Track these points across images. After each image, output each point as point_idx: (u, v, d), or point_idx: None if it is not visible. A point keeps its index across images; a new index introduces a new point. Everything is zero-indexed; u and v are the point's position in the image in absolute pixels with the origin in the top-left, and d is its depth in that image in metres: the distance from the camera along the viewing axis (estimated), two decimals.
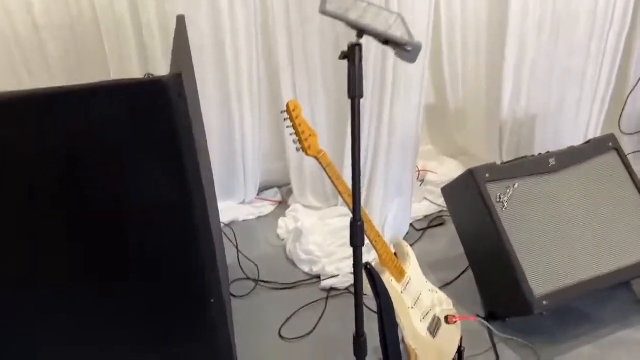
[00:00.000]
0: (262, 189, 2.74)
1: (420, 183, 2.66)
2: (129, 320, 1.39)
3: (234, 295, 2.04)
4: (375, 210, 2.31)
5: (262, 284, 2.10)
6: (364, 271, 1.44)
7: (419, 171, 2.72)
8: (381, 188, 2.26)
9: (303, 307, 1.95)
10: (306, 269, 2.16)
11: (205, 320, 1.42)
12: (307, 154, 1.45)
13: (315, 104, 2.39)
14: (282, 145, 2.62)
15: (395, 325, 1.48)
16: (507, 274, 1.69)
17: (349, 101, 1.11)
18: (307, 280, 2.11)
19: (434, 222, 2.45)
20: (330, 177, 1.47)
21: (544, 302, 1.64)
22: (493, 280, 1.83)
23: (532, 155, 1.90)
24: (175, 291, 1.38)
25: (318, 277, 2.12)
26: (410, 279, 1.55)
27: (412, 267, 1.59)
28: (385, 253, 1.51)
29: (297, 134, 1.44)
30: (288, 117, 1.43)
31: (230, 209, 2.57)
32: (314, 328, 1.86)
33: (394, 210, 2.30)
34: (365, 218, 1.47)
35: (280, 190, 2.74)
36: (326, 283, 2.05)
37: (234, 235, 2.32)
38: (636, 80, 2.49)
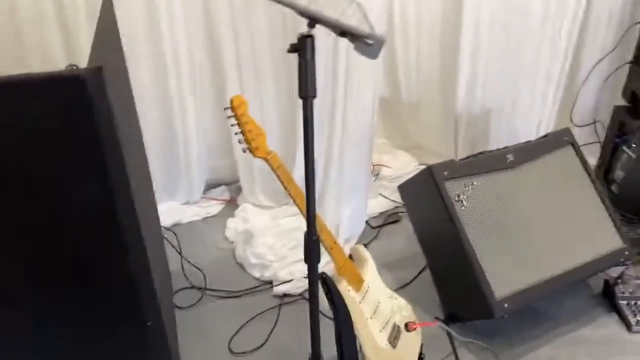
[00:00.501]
0: (210, 187, 2.56)
1: (374, 178, 2.58)
2: (62, 342, 1.22)
3: (178, 307, 1.88)
4: (329, 210, 2.19)
5: (209, 292, 1.94)
6: (319, 282, 1.33)
7: (373, 165, 2.63)
8: (336, 186, 2.15)
9: (254, 316, 1.82)
10: (257, 274, 2.03)
11: (142, 344, 1.26)
12: (254, 155, 1.31)
13: (263, 99, 2.24)
14: (229, 141, 2.44)
15: (353, 339, 1.37)
16: (467, 276, 1.62)
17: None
18: (258, 286, 1.97)
19: (389, 218, 2.37)
20: (281, 180, 1.34)
21: (505, 305, 1.58)
22: (452, 282, 1.77)
23: (490, 151, 1.84)
24: (106, 313, 1.21)
25: (270, 282, 1.99)
26: (368, 287, 1.45)
27: (370, 273, 1.49)
28: (341, 260, 1.40)
29: (243, 133, 1.30)
30: (232, 114, 1.29)
31: (173, 210, 2.38)
32: (267, 340, 1.73)
33: (349, 209, 2.19)
34: (319, 224, 1.37)
35: (228, 188, 2.57)
36: (279, 289, 1.93)
37: (176, 239, 2.15)
38: (587, 74, 2.49)
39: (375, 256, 1.79)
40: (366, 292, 1.44)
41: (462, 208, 1.66)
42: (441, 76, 2.51)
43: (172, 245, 2.06)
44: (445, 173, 1.68)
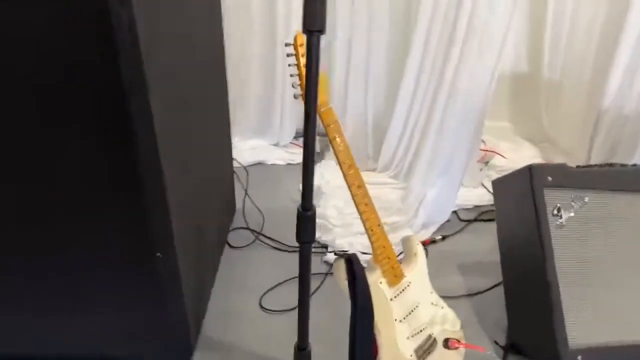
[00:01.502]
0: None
1: (482, 165, 2.24)
2: (72, 277, 1.22)
3: (229, 245, 1.84)
4: (414, 184, 1.95)
5: (262, 238, 1.87)
6: (343, 262, 1.15)
7: (484, 151, 2.29)
8: (426, 159, 1.89)
9: (295, 277, 1.69)
10: (316, 234, 1.89)
11: (152, 275, 1.21)
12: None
13: (373, 45, 2.01)
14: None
15: (370, 339, 1.18)
16: (543, 311, 1.30)
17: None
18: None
19: (484, 215, 2.05)
20: (330, 141, 1.15)
21: (579, 357, 1.25)
22: (525, 310, 1.46)
23: (625, 165, 1.44)
24: (115, 240, 1.17)
25: (325, 247, 1.85)
26: (408, 286, 1.23)
27: (417, 271, 1.26)
28: (381, 247, 1.19)
29: (299, 76, 1.12)
30: (293, 52, 1.11)
31: (260, 148, 2.33)
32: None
33: (436, 189, 1.93)
34: (362, 196, 1.17)
35: (320, 140, 2.43)
36: (330, 257, 1.78)
37: (247, 178, 2.08)
38: None
39: (451, 253, 1.54)
40: (403, 290, 1.23)
41: (559, 227, 1.32)
42: (596, 59, 2.03)
43: (240, 182, 2.00)
44: (549, 178, 1.34)
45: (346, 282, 1.15)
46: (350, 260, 1.14)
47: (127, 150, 1.02)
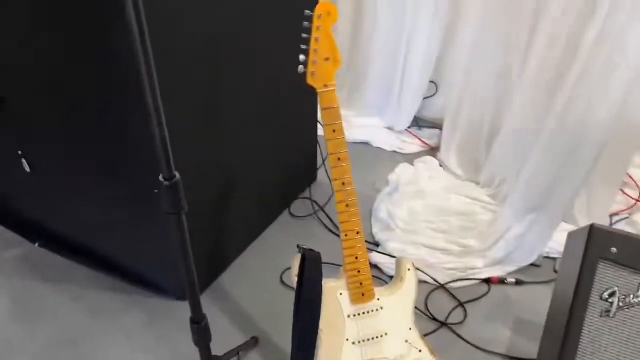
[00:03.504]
0: (427, 124, 2.27)
1: (622, 217, 1.76)
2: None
3: (290, 212, 1.85)
4: (505, 211, 1.66)
5: (320, 214, 1.82)
6: (299, 257, 1.06)
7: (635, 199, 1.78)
8: (523, 184, 1.58)
9: (331, 263, 1.63)
10: (375, 229, 1.76)
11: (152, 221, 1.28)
12: (306, 80, 1.04)
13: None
14: None
15: (310, 343, 1.07)
16: None
17: None
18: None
19: None
20: (323, 122, 1.03)
21: None
22: None
23: None
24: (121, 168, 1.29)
25: (377, 245, 1.71)
26: (377, 310, 1.08)
27: (396, 298, 1.09)
28: (352, 256, 1.06)
29: (307, 49, 1.02)
30: (308, 23, 1.02)
31: (372, 128, 2.23)
32: None
33: (526, 224, 1.59)
34: (345, 194, 1.05)
35: (439, 135, 2.21)
36: (374, 257, 1.64)
37: (320, 151, 2.00)
38: None
39: (516, 302, 1.30)
40: (369, 312, 1.08)
41: (604, 315, 0.98)
42: None
43: (321, 153, 1.94)
44: (613, 250, 0.99)
45: (295, 278, 1.06)
46: (304, 257, 1.04)
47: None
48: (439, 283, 1.57)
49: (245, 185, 1.57)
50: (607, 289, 0.99)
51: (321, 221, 1.81)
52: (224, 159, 1.46)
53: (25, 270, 1.61)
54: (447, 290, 1.56)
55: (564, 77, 1.36)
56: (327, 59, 1.02)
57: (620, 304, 0.98)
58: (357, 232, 1.06)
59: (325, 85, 1.02)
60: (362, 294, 1.07)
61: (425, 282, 1.58)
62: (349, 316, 1.07)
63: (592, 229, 1.01)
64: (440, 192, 1.89)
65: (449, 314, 1.49)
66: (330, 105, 1.02)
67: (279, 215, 1.83)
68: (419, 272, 1.59)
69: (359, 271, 1.06)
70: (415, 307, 1.47)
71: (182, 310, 1.07)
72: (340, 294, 1.07)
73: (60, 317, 1.46)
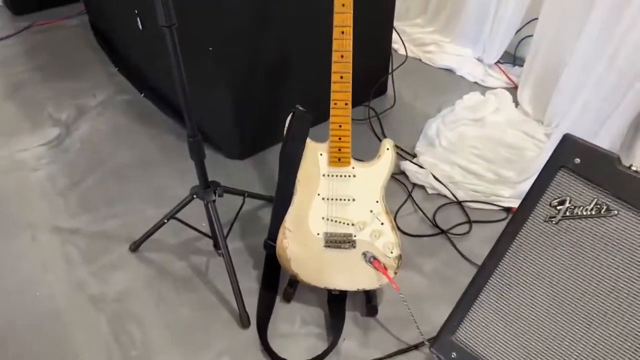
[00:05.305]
0: (522, 62, 2.16)
1: None
2: None
3: None
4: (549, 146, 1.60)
5: (374, 122, 1.92)
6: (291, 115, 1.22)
7: None
8: (571, 121, 1.50)
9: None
10: (419, 142, 1.81)
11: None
12: None
13: None
14: None
15: (289, 190, 1.24)
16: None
17: None
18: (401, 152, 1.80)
19: None
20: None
21: (453, 354, 1.02)
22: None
23: None
24: None
25: (413, 156, 1.77)
26: (349, 176, 1.21)
27: (370, 171, 1.21)
28: (337, 124, 1.18)
29: None
30: None
31: (461, 57, 2.20)
32: None
33: None
34: (340, 66, 1.14)
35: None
36: (405, 165, 1.71)
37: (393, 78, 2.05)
38: None
39: None
40: (341, 176, 1.21)
41: (548, 225, 0.99)
42: None
43: (391, 69, 2.00)
44: (577, 160, 0.97)
45: (285, 132, 1.22)
46: (294, 114, 1.20)
47: None
48: (457, 199, 1.60)
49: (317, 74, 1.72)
50: (558, 197, 0.99)
51: (372, 129, 1.92)
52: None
53: (129, 110, 2.02)
54: (462, 206, 1.59)
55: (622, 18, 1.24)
56: None
57: (568, 213, 0.97)
58: (346, 104, 1.17)
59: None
60: (339, 159, 1.20)
61: (445, 196, 1.62)
62: (324, 175, 1.22)
63: (564, 137, 0.99)
64: (501, 124, 1.85)
65: (453, 227, 1.54)
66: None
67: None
68: (440, 185, 1.64)
69: (340, 138, 1.18)
70: (423, 214, 1.57)
71: (231, 166, 1.31)
72: (321, 154, 1.21)
73: (138, 147, 1.84)
